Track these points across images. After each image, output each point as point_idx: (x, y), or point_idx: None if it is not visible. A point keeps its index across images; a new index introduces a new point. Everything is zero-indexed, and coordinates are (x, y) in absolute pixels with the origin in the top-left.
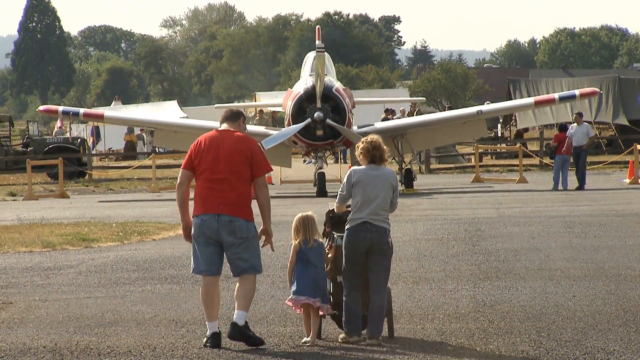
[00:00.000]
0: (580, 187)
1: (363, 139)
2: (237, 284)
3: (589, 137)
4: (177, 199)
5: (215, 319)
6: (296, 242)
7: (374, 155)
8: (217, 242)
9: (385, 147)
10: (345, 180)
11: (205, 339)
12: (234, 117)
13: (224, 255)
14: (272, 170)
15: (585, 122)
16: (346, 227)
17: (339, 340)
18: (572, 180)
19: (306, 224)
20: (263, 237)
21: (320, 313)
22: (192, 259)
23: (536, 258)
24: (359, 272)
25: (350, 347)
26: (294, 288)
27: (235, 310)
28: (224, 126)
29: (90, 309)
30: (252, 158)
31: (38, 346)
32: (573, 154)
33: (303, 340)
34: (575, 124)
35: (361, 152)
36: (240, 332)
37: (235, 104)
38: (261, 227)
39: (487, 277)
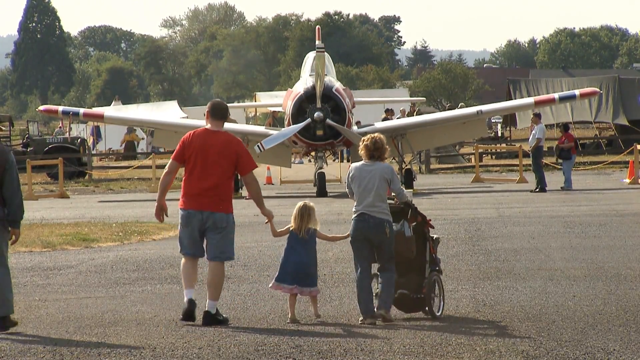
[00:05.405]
0: (539, 188)
1: (367, 137)
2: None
3: (536, 139)
4: (161, 183)
5: (192, 288)
6: (291, 226)
7: (372, 154)
8: (201, 230)
9: (386, 146)
10: (347, 176)
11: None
12: (222, 116)
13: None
14: (257, 166)
15: (547, 125)
16: (352, 219)
17: (359, 322)
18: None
19: (302, 213)
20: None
21: (312, 295)
22: (178, 242)
23: (536, 258)
24: (366, 256)
25: (350, 345)
26: (277, 274)
27: (207, 300)
28: (210, 125)
29: (90, 309)
30: (238, 160)
31: (38, 346)
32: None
33: (289, 318)
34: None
35: (362, 149)
36: (212, 319)
37: (235, 104)
38: (260, 212)
39: (487, 277)
